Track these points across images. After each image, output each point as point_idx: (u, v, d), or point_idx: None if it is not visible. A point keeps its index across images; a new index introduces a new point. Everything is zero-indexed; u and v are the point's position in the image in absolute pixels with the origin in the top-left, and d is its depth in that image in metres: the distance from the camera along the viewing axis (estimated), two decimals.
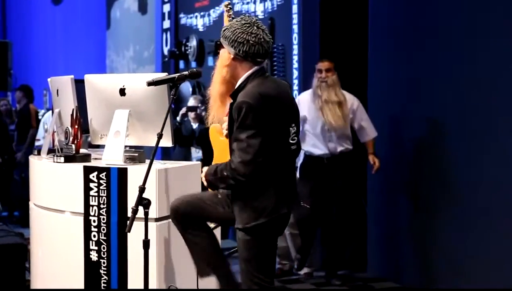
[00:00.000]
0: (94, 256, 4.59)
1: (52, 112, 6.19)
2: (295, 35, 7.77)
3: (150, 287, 3.95)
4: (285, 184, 3.92)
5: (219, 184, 3.96)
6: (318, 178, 6.37)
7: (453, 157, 6.49)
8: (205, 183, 4.12)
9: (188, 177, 4.82)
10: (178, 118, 8.64)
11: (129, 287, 4.43)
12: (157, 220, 4.27)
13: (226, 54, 3.91)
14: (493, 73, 6.11)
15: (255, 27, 3.84)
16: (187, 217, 4.07)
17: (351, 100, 6.37)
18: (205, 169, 4.07)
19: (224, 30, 3.90)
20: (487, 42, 6.15)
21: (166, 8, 11.64)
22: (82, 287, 4.68)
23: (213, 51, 9.24)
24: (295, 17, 7.77)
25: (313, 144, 6.34)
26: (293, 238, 6.79)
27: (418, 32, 6.96)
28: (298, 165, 6.54)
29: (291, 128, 3.92)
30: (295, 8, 7.75)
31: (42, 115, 11.41)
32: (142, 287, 3.95)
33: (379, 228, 7.14)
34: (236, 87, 3.88)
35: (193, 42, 10.24)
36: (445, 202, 6.35)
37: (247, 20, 3.86)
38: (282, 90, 4.06)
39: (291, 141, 3.92)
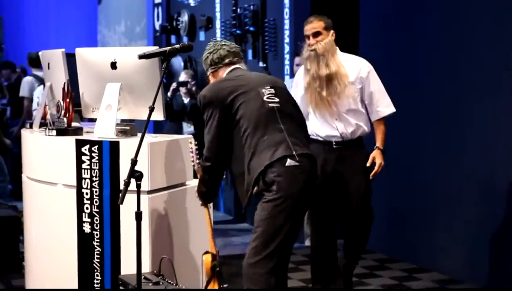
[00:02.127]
0: (87, 228, 4.54)
1: (44, 86, 6.09)
2: (286, 10, 7.70)
3: (143, 258, 3.85)
4: (276, 138, 3.92)
5: (201, 183, 4.21)
6: (327, 164, 5.01)
7: (428, 143, 6.59)
8: (198, 197, 4.29)
9: (179, 149, 4.75)
10: (169, 94, 8.54)
11: (122, 258, 4.40)
12: (149, 192, 4.22)
13: (214, 76, 4.28)
14: (471, 65, 6.13)
15: (211, 44, 4.32)
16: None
17: (358, 66, 5.02)
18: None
19: (205, 59, 4.33)
20: (469, 35, 6.16)
21: None
22: (75, 259, 4.64)
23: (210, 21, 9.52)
24: (287, 9, 7.74)
25: (317, 126, 5.06)
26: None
27: (405, 17, 6.88)
28: None
29: (263, 90, 4.02)
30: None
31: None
32: (135, 258, 3.82)
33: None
34: None
35: (184, 17, 10.16)
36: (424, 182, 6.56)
37: (214, 44, 4.35)
38: (254, 74, 4.39)
39: (267, 99, 4.01)
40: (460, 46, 6.34)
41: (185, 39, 9.84)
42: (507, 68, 5.82)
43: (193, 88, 8.49)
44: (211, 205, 4.45)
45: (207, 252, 4.35)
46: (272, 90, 4.09)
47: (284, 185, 3.85)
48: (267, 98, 4.04)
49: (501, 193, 5.91)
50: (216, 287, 4.31)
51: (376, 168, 4.91)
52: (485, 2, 6.03)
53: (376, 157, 4.89)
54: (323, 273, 5.19)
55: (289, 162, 3.87)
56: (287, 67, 7.45)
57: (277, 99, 4.06)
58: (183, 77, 8.85)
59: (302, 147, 4.02)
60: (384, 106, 4.99)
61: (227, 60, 4.22)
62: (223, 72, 4.24)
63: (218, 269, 4.22)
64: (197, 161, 4.29)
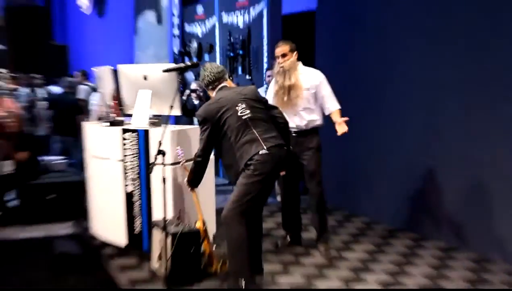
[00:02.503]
0: (129, 188, 5.40)
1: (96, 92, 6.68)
2: (265, 40, 8.56)
3: (167, 209, 4.59)
4: (248, 141, 4.50)
5: (191, 173, 4.79)
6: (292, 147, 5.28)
7: (374, 128, 6.94)
8: (187, 184, 4.89)
9: (191, 136, 5.55)
10: (184, 97, 8.97)
11: (153, 209, 5.21)
12: (172, 164, 5.07)
13: (210, 92, 4.91)
14: (397, 75, 6.60)
15: (202, 71, 4.85)
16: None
17: (313, 77, 5.51)
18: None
19: (201, 80, 4.91)
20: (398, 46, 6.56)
21: (175, 20, 12.26)
22: (123, 209, 5.47)
23: (212, 47, 10.21)
24: (264, 28, 8.52)
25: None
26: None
27: (351, 44, 7.33)
28: None
29: (237, 107, 4.57)
30: (265, 21, 8.48)
31: None
32: (162, 208, 4.62)
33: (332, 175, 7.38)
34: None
35: (194, 44, 10.93)
36: (367, 150, 6.96)
37: (203, 70, 4.83)
38: (234, 93, 4.75)
39: (240, 114, 4.56)
40: (388, 60, 6.69)
41: (195, 60, 10.53)
42: (414, 81, 6.26)
43: (201, 94, 8.85)
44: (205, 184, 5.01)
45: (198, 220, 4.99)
46: (244, 105, 4.58)
47: (258, 165, 4.40)
48: (241, 113, 4.55)
49: (416, 164, 6.32)
50: (207, 244, 4.97)
51: (342, 129, 5.27)
52: (415, 26, 6.30)
53: (338, 125, 5.28)
54: (289, 221, 5.81)
55: (261, 152, 4.41)
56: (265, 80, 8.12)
57: (247, 112, 4.56)
58: (193, 86, 9.17)
59: (272, 141, 4.52)
60: (332, 105, 5.49)
61: (214, 85, 4.79)
62: (214, 92, 4.81)
63: (206, 229, 4.87)
64: (183, 160, 4.98)
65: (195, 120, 8.54)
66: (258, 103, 4.71)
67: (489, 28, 5.48)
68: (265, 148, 4.44)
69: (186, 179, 4.85)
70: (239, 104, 4.58)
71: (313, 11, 8.11)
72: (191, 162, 4.83)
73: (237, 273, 4.48)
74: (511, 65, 5.28)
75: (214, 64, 4.90)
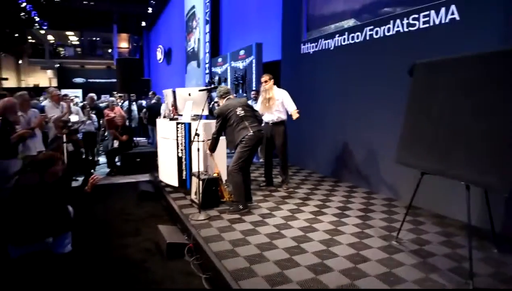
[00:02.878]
0: (180, 154, 5.30)
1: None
2: (253, 75, 8.43)
3: (200, 166, 4.47)
4: (243, 126, 4.34)
5: (212, 143, 4.56)
6: (268, 132, 5.30)
7: (315, 118, 6.50)
8: (209, 151, 4.65)
9: (212, 126, 4.93)
10: (210, 106, 8.82)
11: (193, 165, 4.98)
12: (202, 141, 4.87)
13: (220, 101, 4.64)
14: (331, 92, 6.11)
15: (219, 88, 4.71)
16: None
17: (281, 94, 5.26)
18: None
19: (217, 95, 4.70)
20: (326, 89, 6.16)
21: (207, 66, 12.27)
22: (176, 166, 5.28)
23: (225, 79, 10.04)
24: (253, 69, 8.42)
25: (265, 116, 5.31)
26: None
27: (299, 77, 6.82)
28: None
29: (236, 109, 4.39)
30: (254, 65, 8.38)
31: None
32: (197, 165, 4.52)
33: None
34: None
35: (216, 78, 10.82)
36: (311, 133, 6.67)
37: (219, 88, 4.68)
38: (234, 101, 4.51)
39: (238, 113, 4.38)
40: (317, 86, 6.19)
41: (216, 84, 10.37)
42: (334, 94, 5.80)
43: (220, 104, 9.01)
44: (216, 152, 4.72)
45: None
46: (240, 108, 4.41)
47: (247, 141, 4.28)
48: (238, 113, 4.39)
49: (337, 137, 5.95)
50: (221, 186, 4.64)
51: (296, 116, 4.92)
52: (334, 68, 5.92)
53: (293, 115, 4.94)
54: (267, 172, 5.60)
55: (249, 134, 4.28)
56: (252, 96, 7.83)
57: (242, 112, 4.39)
58: (216, 99, 9.15)
59: (255, 128, 4.35)
60: (291, 107, 5.12)
61: (224, 96, 4.61)
62: (223, 100, 4.59)
63: (220, 178, 4.62)
64: (195, 139, 4.46)
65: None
66: (248, 107, 4.54)
67: (369, 67, 5.24)
68: (251, 132, 4.32)
69: (208, 147, 4.71)
70: (238, 108, 4.46)
71: (279, 60, 7.90)
72: (210, 139, 4.66)
73: (238, 201, 4.38)
74: (384, 91, 5.05)
75: (225, 86, 4.83)
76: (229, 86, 4.89)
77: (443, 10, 4.19)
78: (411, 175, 4.12)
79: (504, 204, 3.60)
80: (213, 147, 4.64)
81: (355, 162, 5.72)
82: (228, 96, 4.63)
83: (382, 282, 2.73)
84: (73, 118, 6.48)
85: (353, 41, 5.66)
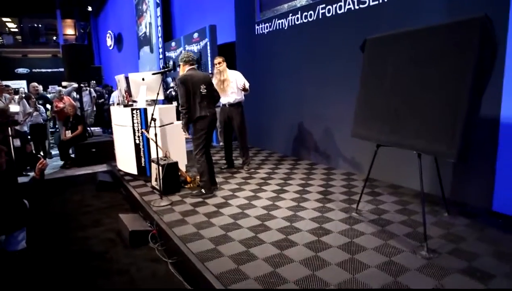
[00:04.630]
0: (137, 141, 5.14)
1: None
2: (209, 58, 8.21)
3: (159, 152, 4.37)
4: (202, 106, 4.17)
5: (182, 120, 4.18)
6: (226, 114, 5.31)
7: (272, 97, 6.48)
8: (184, 133, 4.29)
9: (170, 109, 5.24)
10: (166, 91, 8.57)
11: (152, 152, 4.82)
12: (160, 126, 4.85)
13: (182, 66, 4.32)
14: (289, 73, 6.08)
15: (186, 53, 4.37)
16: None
17: (235, 75, 5.19)
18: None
19: (180, 57, 4.34)
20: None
21: (160, 50, 11.97)
22: (134, 153, 5.12)
23: (173, 66, 9.77)
24: (208, 51, 8.21)
25: (221, 99, 4.98)
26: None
27: (253, 58, 6.74)
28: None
29: (201, 86, 4.17)
30: (208, 48, 8.20)
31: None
32: (155, 151, 4.36)
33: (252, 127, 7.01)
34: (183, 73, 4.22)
35: (170, 62, 10.47)
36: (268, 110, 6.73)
37: (187, 51, 4.41)
38: (199, 74, 4.26)
39: (201, 91, 4.16)
40: (273, 66, 6.17)
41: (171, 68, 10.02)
42: (290, 75, 5.80)
43: (176, 89, 8.27)
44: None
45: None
46: (204, 86, 4.21)
47: (202, 124, 4.18)
48: (201, 90, 4.19)
49: (293, 117, 5.98)
50: (182, 171, 4.65)
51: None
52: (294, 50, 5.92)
53: (244, 87, 4.99)
54: (227, 155, 5.56)
55: (205, 115, 4.16)
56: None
57: (205, 91, 4.20)
58: (171, 84, 8.87)
59: (211, 109, 4.24)
60: (242, 84, 5.08)
61: (191, 62, 4.28)
62: (186, 68, 4.27)
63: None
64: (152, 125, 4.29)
65: (174, 103, 8.25)
66: (210, 87, 4.33)
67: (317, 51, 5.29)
68: (208, 114, 4.21)
69: (182, 126, 4.26)
70: (202, 85, 4.23)
71: (233, 42, 7.79)
72: (166, 125, 4.51)
73: (203, 186, 4.32)
74: (332, 69, 5.11)
75: (191, 53, 4.47)
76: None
77: None
78: (368, 149, 4.27)
79: (452, 171, 3.82)
80: (188, 122, 4.19)
81: (313, 140, 5.81)
82: (192, 66, 4.31)
83: (345, 252, 2.82)
84: (13, 108, 5.94)
85: (306, 20, 5.70)
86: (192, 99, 4.14)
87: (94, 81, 11.79)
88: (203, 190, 4.27)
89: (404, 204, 3.79)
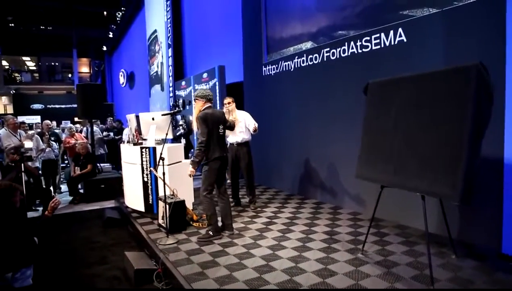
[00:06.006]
0: (145, 179, 5.20)
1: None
2: (217, 96, 8.24)
3: (166, 190, 4.35)
4: (219, 146, 4.14)
5: (196, 158, 4.04)
6: (233, 152, 5.33)
7: (279, 137, 6.53)
8: (190, 171, 4.06)
9: (179, 148, 5.29)
10: (176, 130, 8.67)
11: (159, 190, 4.88)
12: (168, 165, 4.87)
13: (200, 102, 4.22)
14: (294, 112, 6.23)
15: (206, 90, 4.30)
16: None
17: (244, 115, 5.31)
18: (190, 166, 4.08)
19: (196, 93, 4.27)
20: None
21: (171, 88, 12.22)
22: (142, 190, 5.17)
23: (190, 102, 9.66)
24: (217, 90, 8.25)
25: (229, 138, 5.31)
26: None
27: (260, 98, 6.87)
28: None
29: (220, 126, 4.16)
30: (217, 87, 8.24)
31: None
32: (162, 188, 4.41)
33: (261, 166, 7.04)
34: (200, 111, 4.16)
35: (180, 101, 10.53)
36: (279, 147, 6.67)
37: (203, 88, 4.52)
38: (217, 113, 4.23)
39: (220, 131, 4.15)
40: (279, 106, 6.28)
41: (181, 108, 10.07)
42: (295, 114, 5.89)
43: (185, 127, 8.67)
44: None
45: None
46: (222, 126, 4.21)
47: (217, 163, 4.14)
48: (219, 131, 4.18)
49: (300, 157, 6.01)
50: (189, 209, 4.65)
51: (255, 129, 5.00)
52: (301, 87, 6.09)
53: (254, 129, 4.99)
54: (234, 193, 5.61)
55: (219, 156, 4.12)
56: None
57: (222, 131, 4.21)
58: (180, 122, 9.00)
59: (224, 150, 4.22)
60: (253, 125, 5.10)
61: (206, 99, 4.19)
62: (202, 104, 4.18)
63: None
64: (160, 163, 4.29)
65: (182, 141, 8.44)
66: (225, 127, 4.35)
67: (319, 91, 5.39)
68: (223, 154, 4.20)
69: (191, 162, 4.10)
70: (220, 125, 4.22)
71: (241, 81, 8.00)
72: (174, 164, 4.52)
73: (211, 229, 4.26)
74: (332, 106, 5.22)
75: (210, 91, 4.39)
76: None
77: (391, 33, 4.47)
78: (374, 188, 4.25)
79: (459, 212, 3.80)
80: (201, 160, 4.09)
81: (319, 179, 5.83)
82: (209, 104, 4.26)
83: None
84: (27, 144, 6.06)
85: (311, 63, 5.88)
86: (211, 138, 4.08)
87: (111, 118, 11.92)
88: (210, 232, 4.20)
89: (410, 245, 3.76)
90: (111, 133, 10.36)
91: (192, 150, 8.37)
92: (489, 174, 3.45)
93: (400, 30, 4.37)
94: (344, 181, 5.36)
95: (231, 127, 4.55)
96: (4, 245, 3.00)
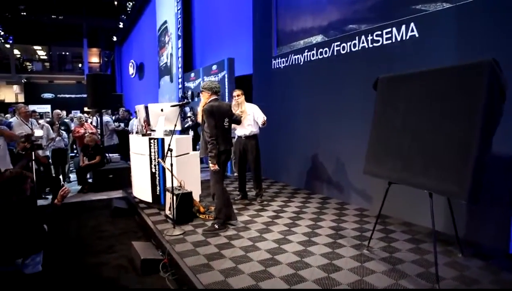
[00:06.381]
0: (153, 169, 5.19)
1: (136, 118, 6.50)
2: (226, 89, 8.10)
3: (174, 181, 4.32)
4: (224, 139, 4.13)
5: (212, 152, 4.01)
6: (241, 145, 5.30)
7: (288, 131, 6.49)
8: (213, 167, 4.05)
9: (187, 140, 5.24)
10: (183, 121, 8.50)
11: (167, 181, 4.85)
12: (176, 156, 4.81)
13: (206, 94, 4.19)
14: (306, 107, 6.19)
15: (213, 82, 4.27)
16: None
17: (252, 108, 5.24)
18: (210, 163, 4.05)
19: (203, 85, 4.22)
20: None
21: (180, 80, 12.15)
22: (149, 181, 5.16)
23: (198, 94, 9.21)
24: (226, 85, 8.11)
25: (237, 131, 5.32)
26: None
27: (270, 90, 6.79)
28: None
29: (225, 120, 4.15)
30: (226, 80, 8.10)
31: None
32: (169, 179, 4.35)
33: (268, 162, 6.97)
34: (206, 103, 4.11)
35: (189, 93, 10.46)
36: (287, 143, 6.64)
37: (210, 80, 4.46)
38: (223, 105, 4.22)
39: (225, 124, 4.14)
40: (287, 98, 6.20)
41: (190, 100, 10.08)
42: (304, 109, 5.82)
43: (192, 117, 8.61)
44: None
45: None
46: (227, 120, 4.20)
47: (222, 156, 4.17)
48: (225, 123, 4.19)
49: (308, 151, 5.96)
50: (195, 201, 4.66)
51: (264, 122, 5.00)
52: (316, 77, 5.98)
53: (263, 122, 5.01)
54: (241, 186, 5.54)
55: (223, 149, 4.13)
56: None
57: (227, 125, 4.20)
58: (188, 114, 8.93)
59: (230, 143, 4.26)
60: (261, 119, 5.10)
61: (213, 92, 4.15)
62: (209, 96, 4.14)
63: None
64: (168, 154, 4.27)
65: (190, 133, 8.35)
66: (231, 120, 4.35)
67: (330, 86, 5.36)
68: (228, 147, 4.22)
69: (212, 163, 4.08)
70: (226, 118, 4.22)
71: (250, 74, 7.89)
72: (182, 155, 4.51)
73: (218, 222, 4.27)
74: (344, 102, 5.17)
75: (217, 83, 4.35)
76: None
77: (403, 27, 4.41)
78: (382, 184, 4.23)
79: (467, 210, 3.77)
80: (216, 155, 4.06)
81: (327, 174, 5.81)
82: (217, 96, 4.24)
83: None
84: (37, 133, 6.04)
85: (321, 56, 5.83)
86: (217, 131, 4.08)
87: (122, 108, 11.80)
88: (216, 225, 4.21)
89: (417, 243, 3.75)
90: (122, 124, 10.37)
91: (199, 142, 8.36)
92: (498, 173, 3.40)
93: (412, 25, 4.31)
94: (351, 176, 5.33)
95: (238, 121, 4.58)
96: (14, 232, 3.05)
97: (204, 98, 4.26)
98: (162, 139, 5.09)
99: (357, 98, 5.07)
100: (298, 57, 6.37)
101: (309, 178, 6.22)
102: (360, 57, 5.03)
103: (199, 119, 4.38)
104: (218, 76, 8.68)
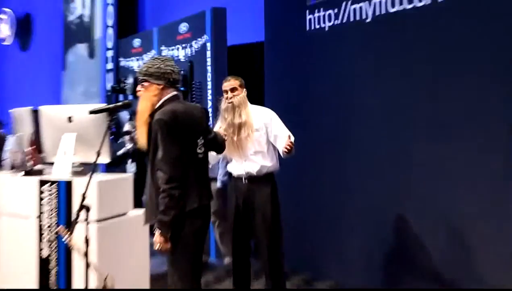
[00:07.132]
0: (45, 252, 3.34)
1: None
2: (209, 74, 5.87)
3: (91, 275, 2.60)
4: (197, 185, 2.64)
5: (165, 213, 2.45)
6: (242, 196, 3.41)
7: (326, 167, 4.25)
8: (159, 242, 2.52)
9: (122, 185, 3.57)
10: (117, 141, 6.39)
11: (75, 276, 3.11)
12: (98, 221, 3.12)
13: (153, 87, 2.63)
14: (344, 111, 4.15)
15: (170, 61, 2.72)
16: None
17: (263, 115, 3.46)
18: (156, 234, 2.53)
19: (145, 69, 2.65)
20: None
21: (109, 53, 9.17)
22: (36, 278, 3.33)
23: (132, 88, 7.01)
24: (208, 61, 5.90)
25: (232, 165, 3.54)
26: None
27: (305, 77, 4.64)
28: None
29: (198, 141, 2.73)
30: (208, 53, 5.95)
31: None
32: (84, 277, 2.57)
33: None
34: (156, 107, 2.65)
35: (130, 80, 7.67)
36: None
37: (160, 57, 2.78)
38: (191, 109, 2.80)
39: (198, 151, 2.73)
40: (346, 92, 4.07)
41: (130, 97, 7.02)
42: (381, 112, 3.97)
43: (135, 136, 6.54)
44: None
45: None
46: (202, 141, 2.72)
47: (194, 221, 2.63)
48: (199, 149, 2.68)
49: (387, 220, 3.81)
50: None
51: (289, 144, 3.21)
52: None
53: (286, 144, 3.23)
54: (241, 282, 3.40)
55: (202, 204, 2.63)
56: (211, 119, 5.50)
57: (202, 150, 2.69)
58: (127, 127, 6.64)
59: (209, 192, 2.77)
60: (285, 139, 3.27)
61: (169, 84, 2.61)
62: (160, 93, 2.65)
63: None
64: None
65: (128, 169, 6.36)
66: (208, 140, 2.81)
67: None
68: (207, 202, 2.69)
69: (159, 235, 2.49)
70: (200, 138, 2.74)
71: (260, 42, 5.70)
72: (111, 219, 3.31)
73: None
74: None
75: (174, 63, 2.80)
76: None
77: None
78: None
79: None
80: (172, 220, 2.52)
81: (433, 259, 3.64)
82: (175, 92, 2.79)
83: None
84: None
85: (411, 6, 4.03)
86: (182, 167, 2.65)
87: None
88: None
89: None
90: None
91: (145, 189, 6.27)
92: None
93: None
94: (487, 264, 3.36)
95: (220, 145, 3.13)
96: None
97: (151, 97, 2.78)
98: (68, 184, 3.46)
99: (489, 89, 3.25)
100: (361, 8, 4.47)
101: (392, 271, 4.07)
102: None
103: (141, 141, 2.88)
104: (192, 46, 6.38)
